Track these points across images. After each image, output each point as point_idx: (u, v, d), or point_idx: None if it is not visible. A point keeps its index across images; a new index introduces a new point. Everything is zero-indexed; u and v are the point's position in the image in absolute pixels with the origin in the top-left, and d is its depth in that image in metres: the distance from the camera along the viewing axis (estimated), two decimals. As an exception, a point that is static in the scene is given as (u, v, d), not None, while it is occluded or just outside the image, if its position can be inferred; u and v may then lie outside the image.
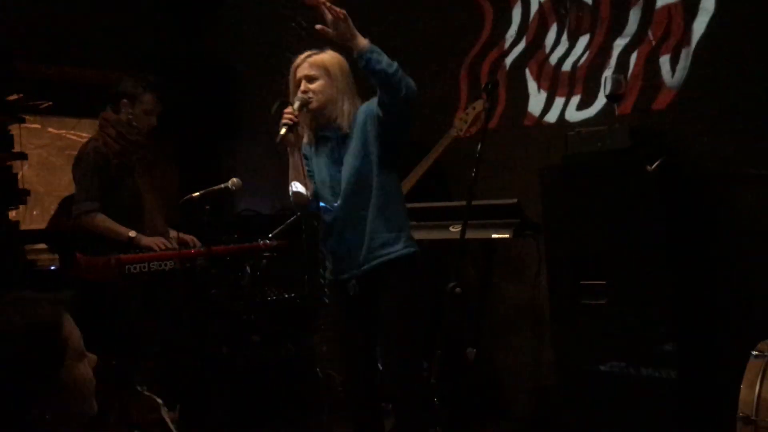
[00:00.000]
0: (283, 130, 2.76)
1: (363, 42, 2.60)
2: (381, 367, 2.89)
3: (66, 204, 5.17)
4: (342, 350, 3.06)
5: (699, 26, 3.39)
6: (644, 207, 3.06)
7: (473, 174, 2.77)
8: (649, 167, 3.00)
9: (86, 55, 5.23)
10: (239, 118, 5.68)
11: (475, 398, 3.60)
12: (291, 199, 2.89)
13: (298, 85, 2.86)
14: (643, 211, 3.06)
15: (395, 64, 2.59)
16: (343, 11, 2.58)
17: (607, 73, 3.58)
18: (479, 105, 3.64)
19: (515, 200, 3.50)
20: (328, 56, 2.88)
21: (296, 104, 2.79)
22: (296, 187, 2.84)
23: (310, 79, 2.84)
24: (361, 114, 2.85)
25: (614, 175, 3.15)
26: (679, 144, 3.38)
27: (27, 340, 1.24)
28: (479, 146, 2.76)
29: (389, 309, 2.80)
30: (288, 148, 2.86)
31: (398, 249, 2.79)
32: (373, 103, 2.79)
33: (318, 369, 4.24)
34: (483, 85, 2.84)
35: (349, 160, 2.83)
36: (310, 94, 2.82)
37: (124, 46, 5.37)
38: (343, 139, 2.86)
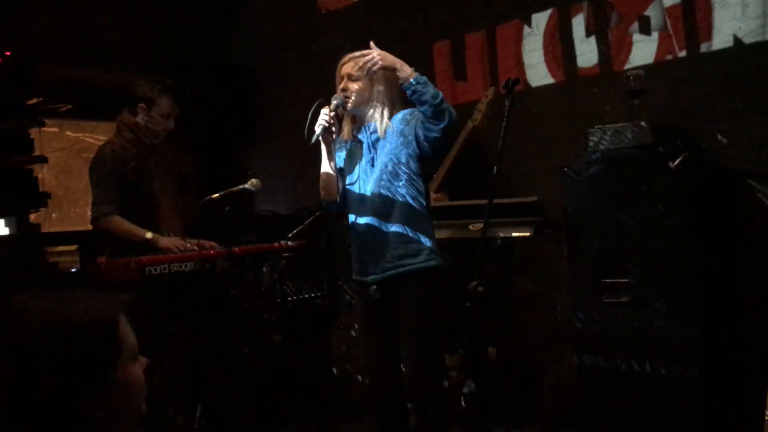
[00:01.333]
0: (318, 131, 2.81)
1: (408, 72, 2.71)
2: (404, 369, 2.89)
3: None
4: (366, 350, 3.06)
5: (723, 23, 3.35)
6: (667, 204, 3.02)
7: (494, 172, 2.75)
8: (671, 164, 2.96)
9: (104, 57, 5.25)
10: (257, 119, 5.70)
11: (499, 397, 3.58)
12: (321, 185, 2.95)
13: (340, 83, 2.91)
14: (665, 208, 3.02)
15: (440, 95, 2.68)
16: (376, 57, 2.72)
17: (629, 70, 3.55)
18: (491, 93, 3.65)
19: (536, 198, 3.48)
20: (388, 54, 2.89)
21: (333, 103, 2.84)
22: (326, 173, 2.92)
23: (353, 78, 2.87)
24: (398, 122, 2.87)
25: (636, 172, 3.12)
26: (702, 140, 3.34)
27: (84, 337, 1.25)
28: (500, 144, 2.74)
29: (408, 319, 2.83)
30: (322, 146, 2.89)
31: (419, 261, 2.81)
32: (413, 115, 2.81)
33: (334, 368, 4.25)
34: (503, 83, 2.81)
35: (380, 167, 2.85)
36: (349, 94, 2.86)
37: (142, 48, 5.39)
38: (377, 143, 2.88)
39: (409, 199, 2.83)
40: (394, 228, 2.82)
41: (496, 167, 2.70)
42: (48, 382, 1.20)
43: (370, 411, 3.97)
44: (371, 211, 2.86)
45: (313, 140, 2.81)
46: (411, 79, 2.69)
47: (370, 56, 2.76)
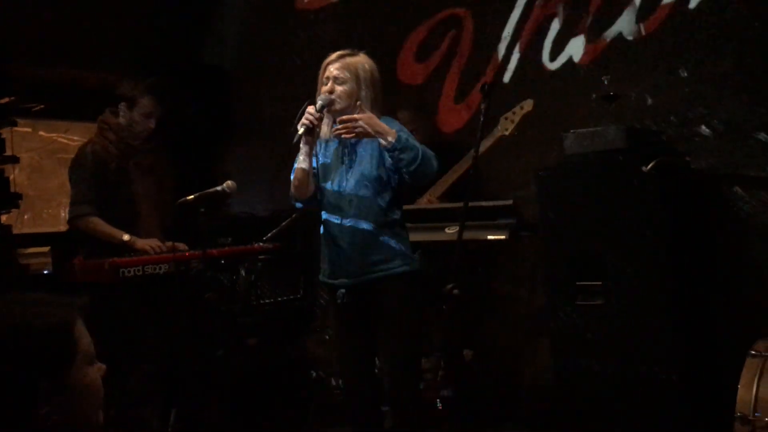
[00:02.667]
0: (300, 130, 2.77)
1: (390, 138, 2.67)
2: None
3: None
4: (339, 353, 3.05)
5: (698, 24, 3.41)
6: (641, 207, 3.05)
7: (470, 176, 2.77)
8: (645, 167, 3.00)
9: (78, 57, 5.19)
10: (233, 121, 5.66)
11: (475, 399, 3.59)
12: (294, 182, 2.87)
13: (326, 83, 2.86)
14: (639, 211, 3.06)
15: (418, 159, 2.66)
16: (359, 121, 2.68)
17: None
18: (528, 105, 3.58)
19: (511, 201, 3.50)
20: (362, 61, 2.88)
21: (318, 104, 2.80)
22: (302, 170, 2.85)
23: (339, 80, 2.83)
24: (396, 126, 2.84)
25: (611, 176, 3.15)
26: (675, 144, 3.39)
27: (37, 338, 1.24)
28: (476, 147, 2.76)
29: (386, 324, 2.84)
30: (302, 146, 2.85)
31: (393, 267, 2.81)
32: (395, 123, 2.81)
33: (313, 372, 4.23)
34: (480, 86, 2.83)
35: (359, 169, 2.84)
36: (335, 96, 2.82)
37: (116, 49, 5.33)
38: (357, 146, 2.86)
39: (383, 203, 2.82)
40: (368, 232, 2.80)
41: (471, 170, 2.71)
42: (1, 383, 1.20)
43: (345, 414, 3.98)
44: (346, 213, 2.84)
45: (295, 139, 2.78)
46: (390, 146, 2.68)
47: (356, 121, 2.71)
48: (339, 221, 2.85)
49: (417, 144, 2.71)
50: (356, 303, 2.85)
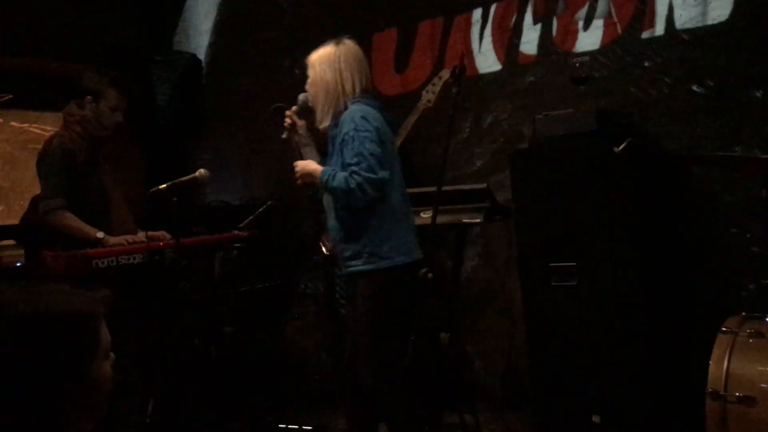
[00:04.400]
0: (284, 135, 2.97)
1: (316, 179, 2.81)
2: None
3: (36, 203, 5.08)
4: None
5: (664, 8, 3.43)
6: (612, 188, 3.09)
7: (443, 160, 2.77)
8: (616, 149, 3.01)
9: (47, 46, 5.12)
10: (206, 109, 5.62)
11: (450, 382, 3.61)
12: None
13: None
14: (611, 192, 3.09)
15: (342, 199, 2.76)
16: (296, 174, 2.89)
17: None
18: (445, 74, 3.57)
19: (485, 185, 3.51)
20: (318, 51, 2.92)
21: (299, 100, 2.95)
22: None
23: (308, 80, 2.93)
24: (345, 122, 2.80)
25: (582, 158, 3.18)
26: (645, 126, 3.42)
27: (63, 328, 1.23)
28: (448, 131, 2.75)
29: (354, 319, 2.88)
30: (297, 146, 2.97)
31: (359, 264, 2.83)
32: (355, 119, 2.76)
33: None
34: (451, 70, 2.83)
35: (333, 164, 2.85)
36: (302, 97, 2.94)
37: (87, 37, 5.26)
38: (334, 139, 2.86)
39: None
40: (344, 229, 2.86)
41: (443, 154, 2.70)
42: (26, 374, 1.19)
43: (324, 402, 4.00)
44: (331, 209, 2.90)
45: (286, 140, 2.99)
46: (318, 185, 2.82)
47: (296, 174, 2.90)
48: (328, 217, 2.94)
49: (337, 184, 2.72)
50: (348, 294, 2.95)
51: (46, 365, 1.20)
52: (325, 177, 2.76)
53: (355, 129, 2.73)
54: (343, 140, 2.75)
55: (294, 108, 2.92)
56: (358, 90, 2.86)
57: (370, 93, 2.93)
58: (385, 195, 2.79)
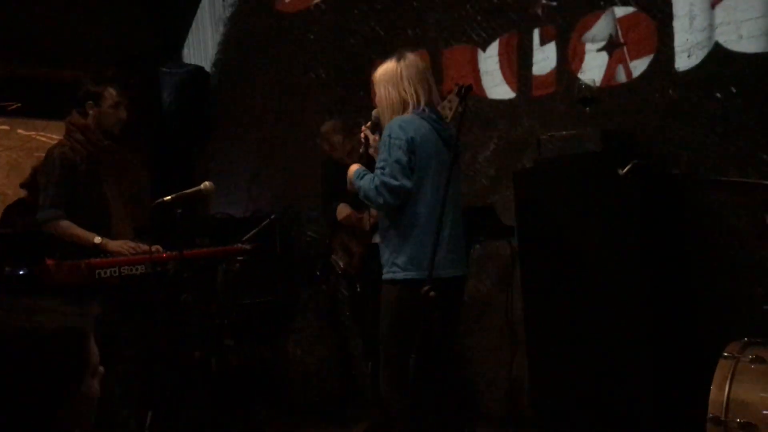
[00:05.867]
0: (361, 149, 3.08)
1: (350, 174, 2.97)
2: None
3: (8, 212, 5.10)
4: None
5: (671, 31, 3.44)
6: (617, 209, 3.08)
7: (447, 177, 2.77)
8: (620, 171, 3.02)
9: (56, 55, 5.16)
10: (213, 121, 5.65)
11: (452, 399, 3.60)
12: None
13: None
14: (615, 213, 3.09)
15: (362, 193, 2.88)
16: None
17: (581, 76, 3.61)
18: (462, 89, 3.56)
19: (490, 203, 3.52)
20: (381, 68, 3.00)
21: (369, 122, 3.06)
22: None
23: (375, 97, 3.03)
24: (386, 129, 2.88)
25: (587, 178, 3.18)
26: (650, 148, 3.42)
27: (50, 346, 1.22)
28: (456, 152, 2.76)
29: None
30: (371, 159, 3.04)
31: (387, 272, 2.89)
32: (393, 127, 2.85)
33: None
34: (456, 89, 2.83)
35: (360, 167, 2.99)
36: (374, 113, 3.04)
37: (95, 46, 5.30)
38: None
39: (386, 210, 2.89)
40: (380, 235, 2.97)
41: (448, 171, 2.71)
42: (13, 392, 1.17)
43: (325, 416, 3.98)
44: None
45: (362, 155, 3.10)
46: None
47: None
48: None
49: (362, 183, 2.89)
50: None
51: (34, 384, 1.19)
52: (355, 175, 2.93)
53: (389, 136, 2.82)
54: (384, 140, 2.86)
55: (368, 123, 3.04)
56: (423, 102, 2.90)
57: (433, 105, 2.96)
58: (406, 205, 2.83)
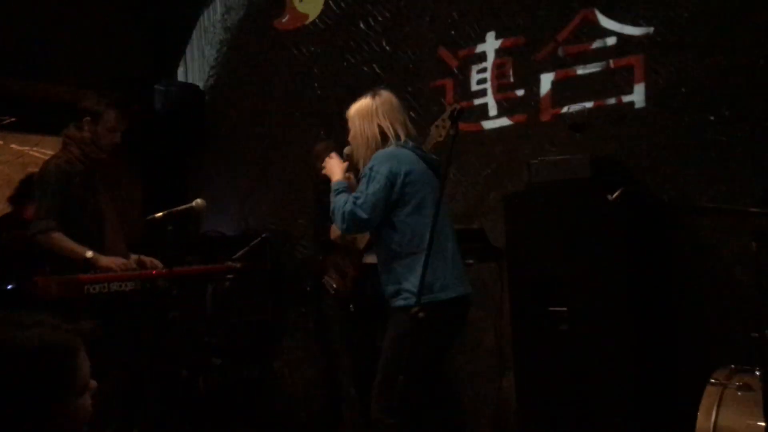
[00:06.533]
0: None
1: (332, 179, 3.01)
2: None
3: None
4: None
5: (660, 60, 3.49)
6: (605, 235, 3.11)
7: (438, 199, 2.79)
8: (610, 196, 3.04)
9: (51, 71, 5.17)
10: (206, 139, 5.66)
11: (437, 422, 3.58)
12: None
13: None
14: (604, 239, 3.11)
15: (333, 209, 2.89)
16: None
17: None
18: (453, 108, 3.54)
19: (479, 226, 3.53)
20: (356, 105, 3.04)
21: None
22: None
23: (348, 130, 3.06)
24: (371, 160, 2.91)
25: (576, 204, 3.20)
26: (639, 174, 3.45)
27: (36, 362, 1.20)
28: (443, 173, 2.78)
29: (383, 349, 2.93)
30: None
31: (397, 301, 2.89)
32: (375, 159, 2.88)
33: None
34: (449, 113, 2.86)
35: (344, 181, 3.02)
36: (346, 150, 3.08)
37: (92, 63, 5.32)
38: None
39: (388, 241, 2.90)
40: (382, 268, 2.95)
41: (439, 195, 2.73)
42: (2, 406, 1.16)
43: None
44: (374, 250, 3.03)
45: None
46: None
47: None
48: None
49: (335, 200, 2.92)
50: None
51: (17, 399, 1.17)
52: (336, 187, 2.97)
53: (371, 168, 2.87)
54: (365, 173, 2.89)
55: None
56: (402, 135, 2.95)
57: (413, 138, 3.00)
58: (407, 233, 2.87)
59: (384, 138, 2.93)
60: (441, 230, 2.90)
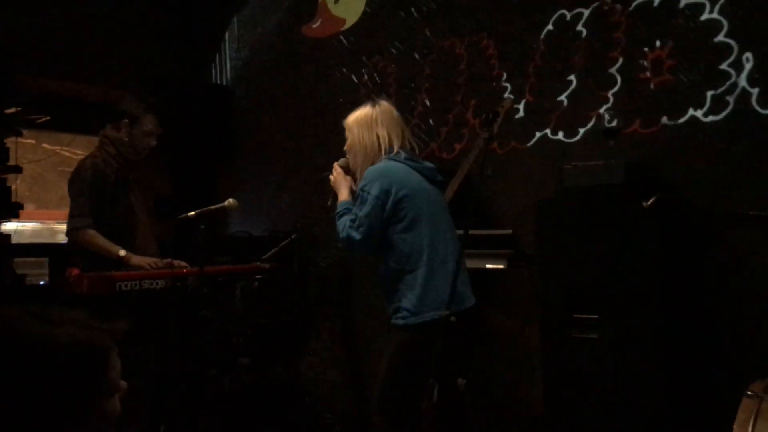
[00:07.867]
0: (329, 202, 3.10)
1: (339, 197, 3.01)
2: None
3: None
4: None
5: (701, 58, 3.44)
6: (638, 242, 3.07)
7: (471, 204, 2.78)
8: (644, 203, 3.01)
9: (85, 71, 5.24)
10: (236, 141, 5.69)
11: (466, 429, 3.56)
12: None
13: None
14: (637, 246, 3.07)
15: (338, 231, 2.90)
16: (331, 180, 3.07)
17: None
18: (507, 103, 3.45)
19: (510, 231, 3.51)
20: (355, 114, 3.02)
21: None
22: None
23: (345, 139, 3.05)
24: (364, 178, 2.90)
25: (609, 210, 3.17)
26: (674, 180, 3.41)
27: (65, 361, 1.17)
28: (478, 177, 2.77)
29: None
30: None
31: (397, 319, 2.87)
32: (367, 178, 2.87)
33: (306, 399, 4.20)
34: (483, 117, 2.85)
35: (350, 202, 2.99)
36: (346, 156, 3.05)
37: (124, 64, 5.38)
38: None
39: (387, 258, 2.89)
40: (383, 286, 2.95)
41: (473, 199, 2.72)
42: (23, 403, 1.13)
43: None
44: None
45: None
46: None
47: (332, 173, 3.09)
48: None
49: (338, 223, 2.93)
50: None
51: (46, 397, 1.13)
52: (341, 207, 2.96)
53: (362, 189, 2.87)
54: (358, 193, 2.89)
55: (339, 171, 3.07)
56: (396, 147, 2.93)
57: (407, 149, 2.98)
58: (405, 250, 2.85)
59: (380, 147, 2.93)
60: (441, 243, 2.89)
